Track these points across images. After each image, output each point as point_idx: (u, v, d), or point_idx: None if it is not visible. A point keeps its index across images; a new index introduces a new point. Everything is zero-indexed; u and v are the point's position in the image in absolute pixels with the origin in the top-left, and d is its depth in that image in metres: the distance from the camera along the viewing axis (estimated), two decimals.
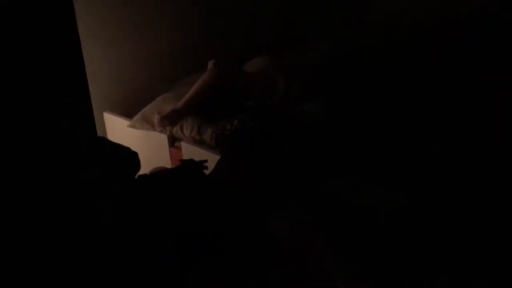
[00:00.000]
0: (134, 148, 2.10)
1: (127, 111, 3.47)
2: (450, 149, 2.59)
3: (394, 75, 3.20)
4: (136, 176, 2.01)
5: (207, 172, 2.29)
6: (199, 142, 3.02)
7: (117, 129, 3.41)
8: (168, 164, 3.12)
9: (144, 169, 2.15)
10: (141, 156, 2.07)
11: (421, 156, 2.53)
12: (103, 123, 3.47)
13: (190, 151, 2.99)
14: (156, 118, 3.12)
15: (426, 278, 1.93)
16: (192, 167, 2.28)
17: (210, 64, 3.26)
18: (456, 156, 2.55)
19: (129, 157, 1.96)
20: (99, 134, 3.23)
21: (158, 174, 2.22)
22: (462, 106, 2.87)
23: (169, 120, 3.08)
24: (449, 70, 3.14)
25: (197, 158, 2.37)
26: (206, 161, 2.34)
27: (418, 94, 3.05)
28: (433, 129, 2.78)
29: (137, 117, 3.25)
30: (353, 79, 3.25)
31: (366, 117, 2.94)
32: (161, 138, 3.16)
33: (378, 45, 3.49)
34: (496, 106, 2.82)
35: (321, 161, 2.54)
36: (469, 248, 2.03)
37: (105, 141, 1.98)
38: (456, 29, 3.44)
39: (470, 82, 2.99)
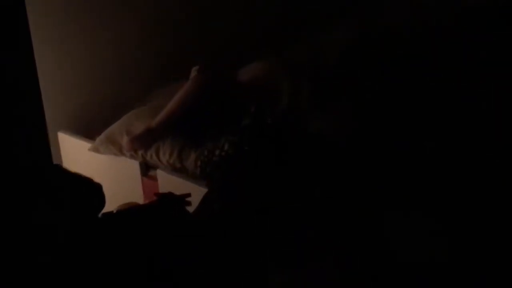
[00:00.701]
0: (97, 178, 2.09)
1: (88, 131, 3.46)
2: (450, 149, 2.92)
3: (399, 75, 3.42)
4: (100, 215, 2.00)
5: (190, 209, 2.26)
6: (179, 170, 3.00)
7: (75, 153, 3.40)
8: (140, 199, 3.10)
9: (110, 206, 2.13)
10: (106, 189, 2.05)
11: (421, 156, 2.84)
12: (57, 146, 3.46)
13: (168, 182, 2.97)
14: (125, 140, 3.11)
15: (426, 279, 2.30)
16: (170, 203, 2.26)
17: (194, 71, 3.27)
18: (456, 156, 2.88)
19: (91, 190, 1.95)
20: (53, 159, 3.22)
21: (128, 212, 2.22)
22: (462, 106, 3.18)
23: (142, 142, 3.08)
24: (449, 70, 3.45)
25: (177, 191, 2.35)
26: (189, 195, 2.31)
27: (418, 94, 3.28)
28: (433, 129, 3.06)
29: (100, 138, 3.24)
30: (384, 79, 3.33)
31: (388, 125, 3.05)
32: (132, 165, 3.16)
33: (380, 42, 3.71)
34: (496, 106, 3.15)
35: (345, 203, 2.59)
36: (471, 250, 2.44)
37: (60, 170, 1.97)
38: (457, 28, 3.79)
39: (470, 82, 3.33)
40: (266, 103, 3.10)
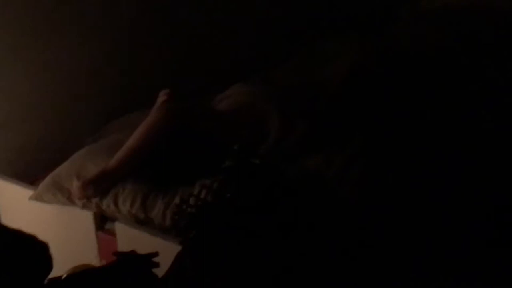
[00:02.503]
0: (41, 235, 2.08)
1: (29, 175, 3.44)
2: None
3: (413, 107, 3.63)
4: (46, 281, 1.98)
5: (159, 272, 2.24)
6: (143, 222, 3.00)
7: (13, 203, 3.38)
8: (95, 259, 3.08)
9: (59, 269, 2.12)
10: (53, 248, 2.04)
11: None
12: None
13: (129, 237, 2.95)
14: (75, 185, 3.09)
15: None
16: (133, 264, 2.24)
17: (162, 95, 3.27)
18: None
19: (35, 251, 1.93)
20: None
21: (80, 276, 2.19)
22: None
23: (96, 187, 3.06)
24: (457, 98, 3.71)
25: (141, 249, 2.33)
26: (156, 254, 2.30)
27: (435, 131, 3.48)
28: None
29: (45, 183, 3.22)
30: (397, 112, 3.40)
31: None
32: (84, 217, 3.14)
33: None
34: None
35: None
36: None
37: None
38: (464, 53, 4.16)
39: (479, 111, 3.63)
40: (249, 140, 3.12)
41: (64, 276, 2.21)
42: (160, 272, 2.26)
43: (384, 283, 2.77)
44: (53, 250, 2.05)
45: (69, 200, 3.14)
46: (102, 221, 3.13)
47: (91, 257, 3.07)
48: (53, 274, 2.08)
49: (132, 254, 2.31)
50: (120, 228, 3.03)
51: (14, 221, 2.29)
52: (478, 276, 2.80)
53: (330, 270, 2.47)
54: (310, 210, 2.24)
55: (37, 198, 3.22)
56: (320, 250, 2.37)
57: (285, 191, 2.10)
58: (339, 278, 2.54)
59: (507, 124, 3.51)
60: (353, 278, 2.66)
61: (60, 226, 3.21)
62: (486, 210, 3.08)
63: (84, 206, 3.12)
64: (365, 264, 2.75)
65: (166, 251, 2.37)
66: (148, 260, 2.27)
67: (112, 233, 3.06)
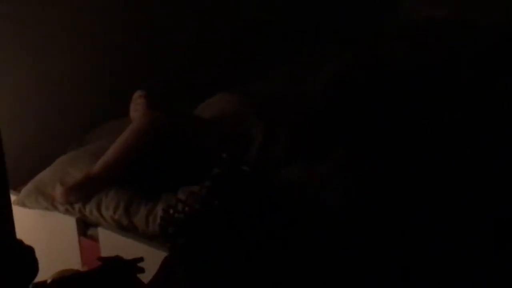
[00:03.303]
0: (23, 239, 2.07)
1: (11, 180, 3.41)
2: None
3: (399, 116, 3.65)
4: (31, 286, 1.97)
5: (144, 278, 2.24)
6: (126, 228, 2.99)
7: None
8: (78, 264, 3.07)
9: (41, 274, 2.10)
10: (36, 252, 2.04)
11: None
12: None
13: (112, 243, 2.95)
14: (58, 190, 3.08)
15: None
16: (118, 270, 2.23)
17: (137, 97, 3.27)
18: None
19: (20, 255, 1.93)
20: None
21: (65, 281, 2.18)
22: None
23: (79, 193, 3.06)
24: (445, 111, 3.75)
25: (125, 255, 2.32)
26: (141, 259, 2.29)
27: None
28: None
29: (27, 188, 3.22)
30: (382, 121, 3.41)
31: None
32: (67, 223, 3.13)
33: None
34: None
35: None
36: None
37: None
38: (453, 67, 4.21)
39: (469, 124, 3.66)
40: (232, 148, 3.12)
41: (49, 280, 2.20)
42: (144, 277, 2.26)
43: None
44: (36, 255, 2.04)
45: (52, 205, 3.13)
46: (85, 227, 3.12)
47: (73, 262, 3.06)
48: (36, 279, 2.07)
49: (116, 260, 2.29)
50: (103, 233, 3.02)
51: None
52: (477, 277, 2.83)
53: (317, 278, 2.48)
54: (296, 218, 2.24)
55: (20, 203, 3.20)
56: (308, 257, 2.38)
57: (274, 199, 2.10)
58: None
59: (492, 138, 3.53)
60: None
61: (42, 232, 3.19)
62: (483, 211, 3.09)
63: (66, 212, 3.11)
64: (350, 273, 2.76)
65: (149, 257, 2.37)
66: (133, 265, 2.26)
67: (95, 239, 3.05)
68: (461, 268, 2.82)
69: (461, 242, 2.96)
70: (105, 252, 2.89)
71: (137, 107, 3.35)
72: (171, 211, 2.01)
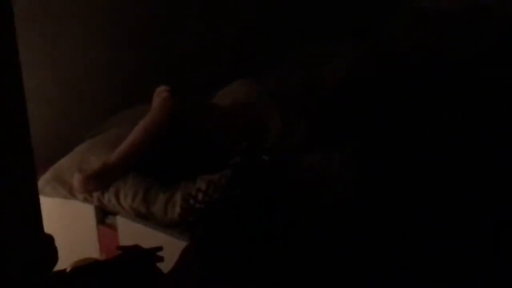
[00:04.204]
0: (44, 227, 2.07)
1: None
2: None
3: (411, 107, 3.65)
4: (51, 275, 1.98)
5: (162, 266, 2.24)
6: (145, 216, 3.00)
7: None
8: (96, 252, 3.09)
9: (60, 262, 2.11)
10: (55, 240, 2.05)
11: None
12: None
13: (130, 232, 2.96)
14: (76, 179, 3.09)
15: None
16: (137, 259, 2.24)
17: (159, 92, 3.27)
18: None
19: (41, 243, 1.92)
20: None
21: (84, 270, 2.19)
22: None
23: (98, 181, 3.07)
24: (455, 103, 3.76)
25: (143, 244, 2.32)
26: (160, 248, 2.29)
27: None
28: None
29: (46, 177, 3.22)
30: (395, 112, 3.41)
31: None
32: (85, 211, 3.14)
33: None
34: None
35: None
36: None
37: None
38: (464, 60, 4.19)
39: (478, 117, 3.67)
40: (250, 137, 3.11)
41: (69, 269, 2.20)
42: (163, 266, 2.26)
43: (383, 283, 2.79)
44: (57, 245, 2.06)
45: (70, 193, 3.15)
46: (103, 215, 3.14)
47: (91, 251, 3.08)
48: (55, 267, 2.08)
49: (135, 248, 2.30)
50: (121, 222, 3.03)
51: None
52: (477, 276, 2.83)
53: (330, 270, 2.49)
54: (313, 208, 2.24)
55: (38, 192, 3.20)
56: (323, 248, 2.38)
57: (291, 188, 2.10)
58: (339, 277, 2.56)
59: (504, 126, 3.54)
60: (352, 277, 2.68)
61: (61, 220, 3.20)
62: (483, 210, 3.11)
63: (85, 200, 3.13)
64: (363, 263, 2.77)
65: (168, 246, 2.37)
66: (152, 254, 2.26)
67: (113, 227, 3.07)
68: (461, 267, 2.84)
69: (461, 241, 2.96)
70: (123, 241, 2.90)
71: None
72: (192, 201, 2.00)
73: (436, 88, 3.81)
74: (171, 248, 2.35)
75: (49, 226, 2.21)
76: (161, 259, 2.26)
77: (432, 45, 4.35)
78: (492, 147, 3.37)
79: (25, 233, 1.73)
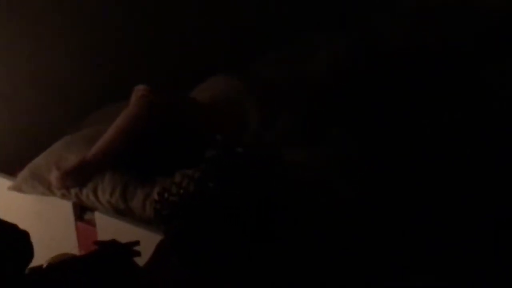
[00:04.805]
0: (20, 224, 2.06)
1: (6, 165, 3.42)
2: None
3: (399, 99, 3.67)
4: (27, 270, 1.97)
5: (139, 261, 2.24)
6: (123, 212, 2.99)
7: None
8: (75, 249, 3.07)
9: (38, 258, 2.11)
10: (32, 238, 2.03)
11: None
12: None
13: (109, 227, 2.94)
14: (54, 175, 3.08)
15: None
16: (114, 253, 2.24)
17: (137, 91, 3.27)
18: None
19: (15, 239, 1.92)
20: None
21: (61, 265, 2.18)
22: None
23: (75, 177, 3.05)
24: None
25: (121, 239, 2.32)
26: (137, 243, 2.29)
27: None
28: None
29: (23, 174, 3.21)
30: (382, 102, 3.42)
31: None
32: (64, 207, 3.12)
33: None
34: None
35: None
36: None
37: None
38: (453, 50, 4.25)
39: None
40: (229, 131, 3.12)
41: (45, 265, 2.20)
42: (140, 261, 2.26)
43: (382, 282, 2.80)
44: (33, 240, 2.04)
45: (48, 190, 3.13)
46: (81, 211, 3.12)
47: (70, 247, 3.06)
48: (33, 263, 2.07)
49: (112, 243, 2.30)
50: (99, 218, 3.01)
51: None
52: (477, 275, 2.84)
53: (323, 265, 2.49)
54: (292, 201, 2.24)
55: (16, 188, 3.20)
56: (305, 243, 2.38)
57: (269, 182, 2.10)
58: (335, 274, 2.57)
59: (504, 126, 3.55)
60: (351, 275, 2.69)
61: (39, 216, 3.19)
62: (483, 210, 3.12)
63: (63, 196, 3.11)
64: (362, 262, 2.77)
65: (146, 241, 2.37)
66: (129, 248, 2.26)
67: (92, 223, 3.05)
68: (461, 267, 2.85)
69: (461, 241, 2.98)
70: (102, 237, 2.88)
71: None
72: (166, 194, 2.00)
73: (436, 88, 3.81)
74: (149, 242, 2.35)
75: (27, 223, 2.21)
76: (138, 253, 2.27)
77: (422, 36, 4.34)
78: (492, 147, 3.38)
79: None
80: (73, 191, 3.08)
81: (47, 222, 3.18)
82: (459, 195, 3.13)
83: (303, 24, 4.53)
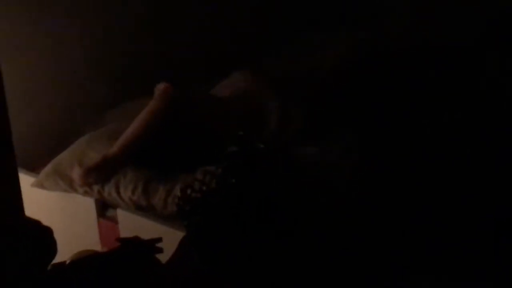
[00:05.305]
0: (43, 221, 2.07)
1: (29, 162, 3.43)
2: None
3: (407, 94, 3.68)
4: (50, 266, 1.98)
5: (162, 258, 2.24)
6: (145, 209, 3.00)
7: None
8: (97, 245, 3.08)
9: (61, 255, 2.12)
10: (55, 234, 2.05)
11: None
12: None
13: (131, 224, 2.96)
14: (76, 172, 3.09)
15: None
16: (136, 250, 2.24)
17: (160, 87, 3.27)
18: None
19: (39, 235, 1.93)
20: None
21: (84, 262, 2.18)
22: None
23: (98, 174, 3.06)
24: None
25: (144, 235, 2.32)
26: (160, 239, 2.29)
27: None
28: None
29: (46, 170, 3.22)
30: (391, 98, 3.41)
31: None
32: (86, 204, 3.14)
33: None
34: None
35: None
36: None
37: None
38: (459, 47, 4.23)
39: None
40: (248, 127, 3.12)
41: (68, 261, 2.20)
42: (163, 258, 2.26)
43: (382, 282, 2.80)
44: (55, 237, 2.06)
45: (71, 187, 3.14)
46: (103, 208, 3.13)
47: (92, 243, 3.07)
48: (55, 260, 2.08)
49: (135, 240, 2.30)
50: (121, 214, 3.03)
51: None
52: (477, 275, 2.84)
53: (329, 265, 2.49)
54: (309, 198, 2.24)
55: (39, 185, 3.21)
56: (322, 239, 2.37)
57: (289, 177, 2.09)
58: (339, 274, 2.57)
59: (504, 126, 3.54)
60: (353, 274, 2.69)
61: (61, 213, 3.20)
62: (483, 210, 3.11)
63: (85, 193, 3.12)
64: (362, 260, 2.77)
65: (168, 238, 2.36)
66: (151, 245, 2.26)
67: (114, 220, 3.07)
68: (461, 267, 2.84)
69: (461, 241, 2.97)
70: (124, 233, 2.90)
71: None
72: (189, 190, 2.00)
73: (436, 88, 3.80)
74: (171, 239, 2.35)
75: (50, 219, 2.22)
76: (160, 250, 2.26)
77: (421, 35, 4.33)
78: (492, 147, 3.37)
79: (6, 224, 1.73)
80: (95, 188, 3.09)
81: (69, 219, 3.19)
82: (459, 195, 3.12)
83: (310, 22, 4.52)
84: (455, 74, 3.91)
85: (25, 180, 3.27)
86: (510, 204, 3.10)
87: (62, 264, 2.07)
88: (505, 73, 3.93)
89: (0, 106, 1.56)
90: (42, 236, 1.95)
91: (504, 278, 2.79)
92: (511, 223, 3.01)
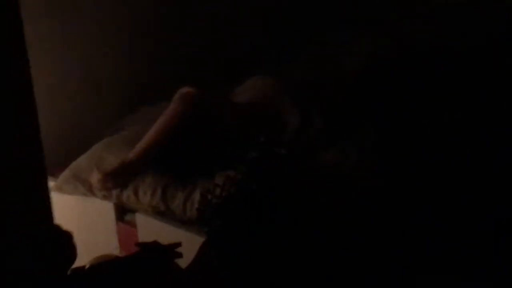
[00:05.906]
0: (63, 224, 2.08)
1: (48, 165, 3.43)
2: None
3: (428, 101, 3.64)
4: (69, 271, 1.98)
5: (181, 263, 2.23)
6: (163, 213, 3.00)
7: None
8: (116, 250, 3.09)
9: (79, 259, 2.12)
10: (75, 238, 2.06)
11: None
12: None
13: (149, 228, 2.96)
14: (95, 176, 3.10)
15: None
16: (156, 255, 2.24)
17: (183, 92, 3.27)
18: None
19: (59, 240, 1.93)
20: None
21: (103, 267, 2.19)
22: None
23: (116, 179, 3.07)
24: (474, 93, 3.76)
25: (162, 240, 2.32)
26: (179, 244, 2.28)
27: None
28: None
29: (65, 174, 3.24)
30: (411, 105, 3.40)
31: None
32: (105, 208, 3.15)
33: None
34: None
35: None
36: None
37: None
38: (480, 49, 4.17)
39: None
40: (268, 132, 3.11)
41: (87, 265, 2.21)
42: (182, 263, 2.26)
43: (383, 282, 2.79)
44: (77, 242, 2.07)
45: (89, 191, 3.15)
46: (122, 212, 3.14)
47: (111, 248, 3.08)
48: (74, 264, 2.09)
49: (154, 245, 2.30)
50: (140, 219, 3.03)
51: None
52: (478, 275, 2.83)
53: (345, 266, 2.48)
54: (331, 203, 2.23)
55: (57, 189, 3.22)
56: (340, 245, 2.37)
57: (310, 182, 2.08)
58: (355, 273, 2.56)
59: (504, 126, 3.52)
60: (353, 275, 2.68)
61: (80, 217, 3.21)
62: (483, 211, 3.10)
63: (104, 198, 3.13)
64: (363, 262, 2.76)
65: (187, 242, 2.37)
66: (170, 250, 2.26)
67: (133, 224, 3.08)
68: (461, 267, 2.84)
69: (461, 241, 2.95)
70: (142, 238, 2.90)
71: None
72: (209, 196, 1.99)
73: (437, 87, 3.79)
74: (190, 244, 2.35)
75: (68, 223, 2.22)
76: (179, 255, 2.26)
77: (447, 37, 4.33)
78: (492, 147, 3.36)
79: (36, 229, 1.73)
80: (114, 192, 3.10)
81: (88, 223, 3.20)
82: (459, 195, 3.10)
83: (331, 24, 4.51)
84: (460, 82, 3.91)
85: None
86: (511, 204, 3.09)
87: (81, 268, 2.07)
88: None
89: (32, 118, 1.56)
90: (63, 241, 1.95)
91: (504, 278, 2.78)
92: (511, 223, 3.00)
